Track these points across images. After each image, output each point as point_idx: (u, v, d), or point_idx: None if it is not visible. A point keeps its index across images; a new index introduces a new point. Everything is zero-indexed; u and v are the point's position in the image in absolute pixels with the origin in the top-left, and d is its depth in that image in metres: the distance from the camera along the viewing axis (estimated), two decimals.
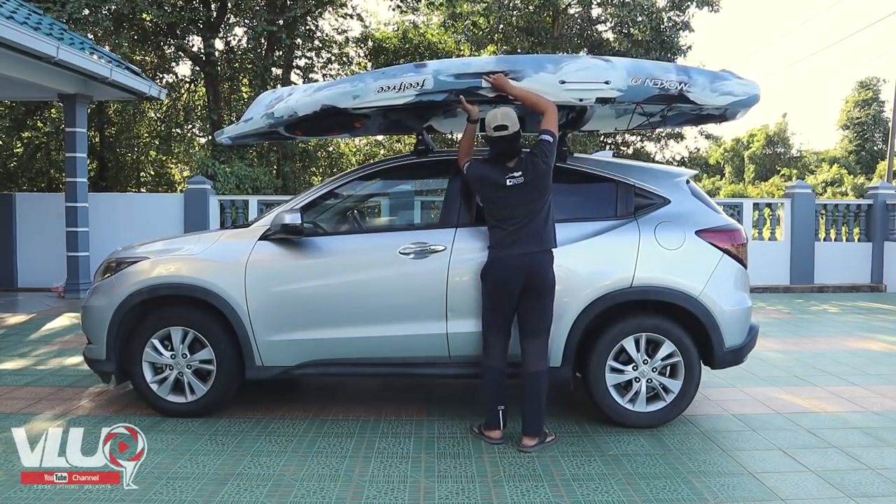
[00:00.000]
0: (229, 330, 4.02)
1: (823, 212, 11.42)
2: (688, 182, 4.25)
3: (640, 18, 17.94)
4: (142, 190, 19.05)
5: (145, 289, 4.06)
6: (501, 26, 19.57)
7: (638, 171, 4.20)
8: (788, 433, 3.93)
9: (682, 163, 24.07)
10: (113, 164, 17.81)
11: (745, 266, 4.09)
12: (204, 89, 17.77)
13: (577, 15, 20.22)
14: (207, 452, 3.57)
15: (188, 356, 4.08)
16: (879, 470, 3.38)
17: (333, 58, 18.91)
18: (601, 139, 19.57)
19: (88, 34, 12.58)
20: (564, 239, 3.84)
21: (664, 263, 3.90)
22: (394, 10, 19.61)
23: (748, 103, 3.91)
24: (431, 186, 8.09)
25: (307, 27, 17.29)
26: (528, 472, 3.32)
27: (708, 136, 27.30)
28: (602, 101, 3.74)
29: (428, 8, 19.30)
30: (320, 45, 18.41)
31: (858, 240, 11.32)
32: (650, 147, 23.52)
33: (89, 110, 11.27)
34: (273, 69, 16.62)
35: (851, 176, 42.77)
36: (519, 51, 18.78)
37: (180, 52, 16.86)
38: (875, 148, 46.90)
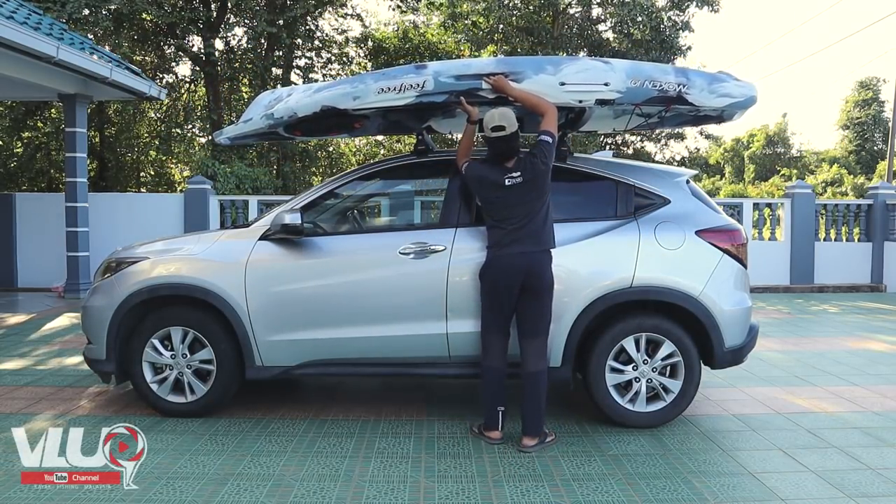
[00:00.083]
0: (229, 330, 4.02)
1: (823, 212, 11.42)
2: (688, 182, 4.25)
3: (639, 18, 17.94)
4: (142, 190, 19.05)
5: (145, 289, 4.07)
6: (501, 26, 19.57)
7: (638, 171, 4.20)
8: (788, 433, 3.93)
9: (682, 163, 24.09)
10: (113, 164, 17.81)
11: (745, 266, 4.09)
12: (204, 89, 17.78)
13: (577, 15, 20.22)
14: (207, 452, 3.57)
15: (188, 356, 4.08)
16: (879, 470, 3.38)
17: (333, 58, 18.91)
18: (601, 139, 19.58)
19: (88, 34, 12.58)
20: (564, 239, 3.84)
21: (664, 263, 3.90)
22: (394, 10, 19.62)
23: (745, 105, 3.93)
24: (431, 186, 8.09)
25: (307, 27, 17.29)
26: (528, 472, 3.32)
27: (708, 137, 27.32)
28: (601, 102, 3.76)
29: (428, 8, 19.31)
30: (320, 45, 18.42)
31: (858, 240, 11.32)
32: (650, 147, 23.54)
33: (89, 110, 11.27)
34: (273, 69, 16.63)
35: (851, 176, 42.78)
36: (519, 51, 18.79)
37: (180, 52, 16.87)
38: (875, 148, 46.91)
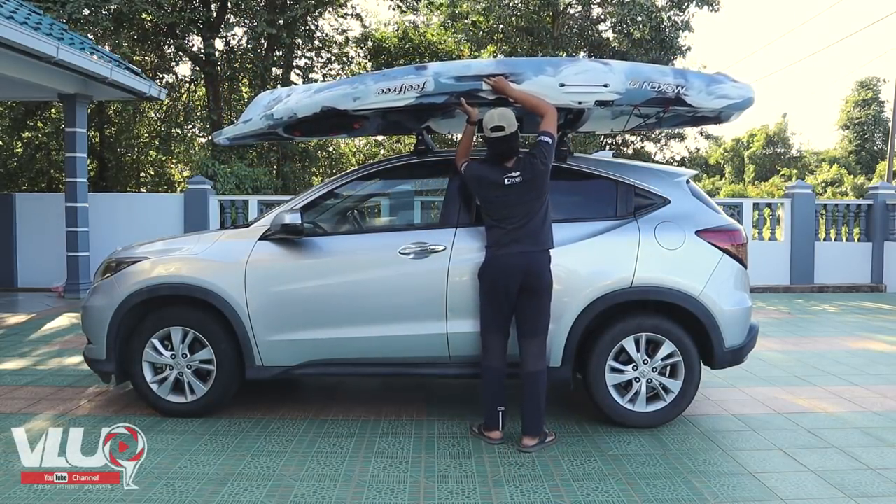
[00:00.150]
0: (229, 330, 4.02)
1: (823, 212, 11.42)
2: (688, 182, 4.26)
3: (639, 18, 17.95)
4: (142, 190, 19.05)
5: (145, 289, 4.07)
6: (501, 26, 19.58)
7: (638, 171, 4.20)
8: (788, 433, 3.93)
9: (682, 163, 24.11)
10: (113, 164, 17.81)
11: (745, 266, 4.09)
12: (204, 89, 17.77)
13: (576, 15, 20.23)
14: (207, 452, 3.57)
15: (188, 356, 4.08)
16: (879, 470, 3.38)
17: (333, 58, 18.91)
18: (601, 139, 19.58)
19: (88, 34, 12.58)
20: (564, 239, 3.85)
21: (664, 263, 3.90)
22: (394, 9, 19.62)
23: (743, 106, 3.95)
24: (431, 186, 8.09)
25: (307, 27, 17.29)
26: (528, 472, 3.32)
27: (708, 137, 27.37)
28: (601, 103, 3.77)
29: (428, 8, 19.31)
30: (320, 45, 18.41)
31: (858, 240, 11.32)
32: (650, 147, 23.56)
33: (89, 110, 11.27)
34: (273, 69, 16.62)
35: (851, 176, 42.78)
36: (519, 51, 18.79)
37: (180, 52, 16.86)
38: (875, 148, 46.91)
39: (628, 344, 3.89)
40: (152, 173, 19.90)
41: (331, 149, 19.67)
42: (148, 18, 15.05)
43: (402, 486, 3.15)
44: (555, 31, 19.26)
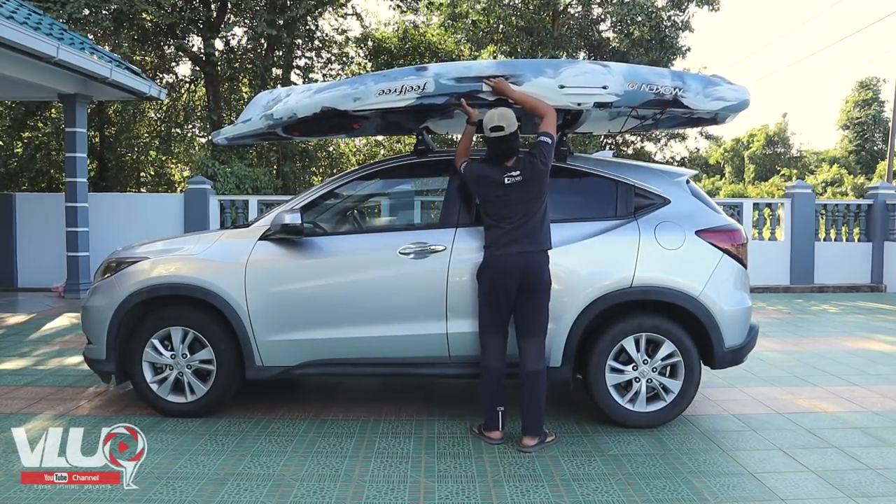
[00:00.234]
0: (229, 330, 4.02)
1: (823, 212, 11.42)
2: (688, 182, 4.26)
3: (639, 18, 17.95)
4: (142, 190, 19.05)
5: (145, 289, 4.07)
6: (501, 26, 19.58)
7: (638, 171, 4.20)
8: (788, 433, 3.93)
9: (682, 163, 24.10)
10: (113, 164, 17.81)
11: (745, 266, 4.09)
12: (204, 89, 17.78)
13: (576, 15, 20.22)
14: (207, 452, 3.57)
15: (188, 356, 4.08)
16: (879, 470, 3.38)
17: (333, 58, 18.91)
18: (601, 139, 19.58)
19: (88, 34, 12.58)
20: (565, 239, 3.85)
21: (664, 263, 3.91)
22: (394, 9, 19.62)
23: (738, 108, 3.98)
24: (431, 186, 8.10)
25: (307, 27, 17.29)
26: (528, 472, 3.32)
27: (708, 137, 27.39)
28: (599, 105, 3.80)
29: (428, 8, 19.30)
30: (320, 45, 18.42)
31: (858, 240, 11.32)
32: (650, 147, 23.55)
33: (89, 110, 11.27)
34: (273, 69, 16.62)
35: (851, 176, 42.78)
36: (519, 51, 18.78)
37: (180, 52, 16.86)
38: (875, 148, 46.90)
39: (628, 344, 3.89)
40: (152, 173, 19.91)
41: (331, 149, 19.68)
42: (148, 18, 15.05)
43: (402, 486, 3.15)
44: (555, 31, 19.25)
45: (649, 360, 3.90)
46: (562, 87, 3.74)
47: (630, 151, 22.28)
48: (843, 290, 10.86)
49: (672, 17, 18.99)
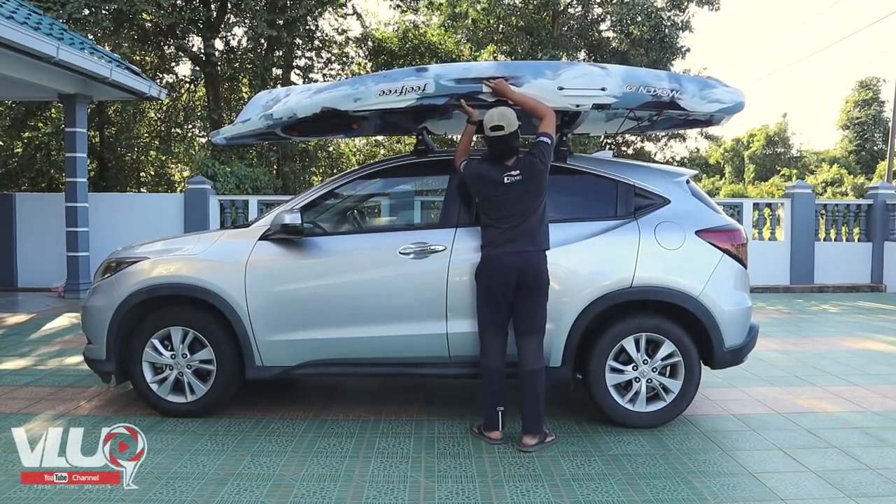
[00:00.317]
0: (229, 330, 4.02)
1: (823, 212, 11.42)
2: (688, 182, 4.26)
3: (639, 18, 17.94)
4: (142, 190, 19.05)
5: (145, 289, 4.07)
6: (501, 26, 19.58)
7: (638, 171, 4.21)
8: (788, 433, 3.93)
9: (682, 163, 24.11)
10: (113, 164, 17.81)
11: (745, 266, 4.09)
12: (204, 89, 17.78)
13: (576, 15, 20.22)
14: (207, 452, 3.57)
15: (188, 356, 4.08)
16: (879, 470, 3.38)
17: (333, 58, 18.92)
18: (601, 139, 19.57)
19: (88, 34, 12.58)
20: (564, 239, 3.86)
21: (664, 263, 3.91)
22: (394, 9, 19.63)
23: (734, 110, 4.03)
24: (431, 186, 8.10)
25: (307, 27, 17.30)
26: (528, 472, 3.32)
27: (708, 137, 27.46)
28: (598, 107, 3.85)
29: (428, 8, 19.31)
30: (320, 46, 18.43)
31: (858, 240, 11.32)
32: (650, 147, 23.53)
33: (89, 110, 11.27)
34: (273, 69, 16.63)
35: (851, 176, 42.76)
36: (519, 51, 18.78)
37: (180, 53, 16.87)
38: (875, 148, 46.89)
39: (628, 344, 3.89)
40: (152, 173, 19.91)
41: (331, 149, 19.69)
42: (148, 18, 15.05)
43: (402, 486, 3.15)
44: (555, 31, 19.24)
45: (649, 360, 3.90)
46: (561, 88, 3.78)
47: (630, 151, 22.28)
48: (843, 290, 10.86)
49: (672, 18, 18.98)
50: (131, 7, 13.24)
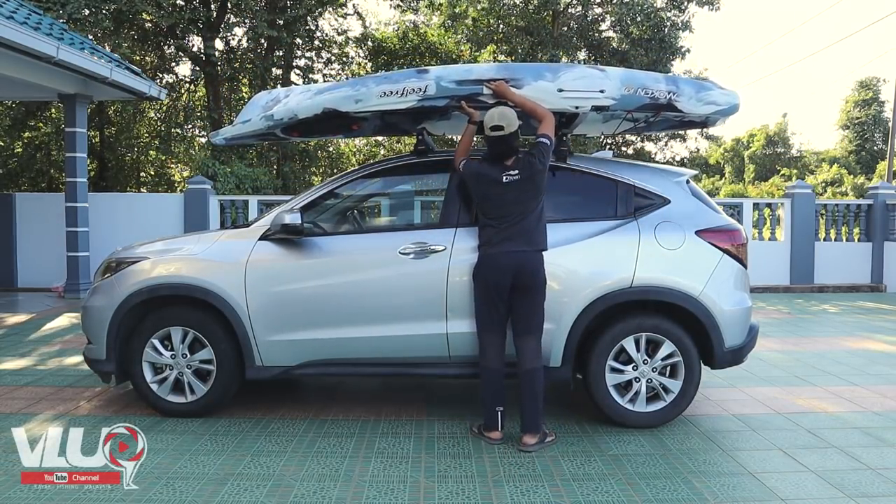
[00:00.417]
0: (229, 330, 4.02)
1: (823, 212, 11.42)
2: (688, 182, 4.26)
3: (638, 18, 17.95)
4: (142, 190, 19.05)
5: (145, 289, 4.06)
6: (501, 26, 19.58)
7: (638, 171, 4.21)
8: (788, 433, 3.93)
9: (682, 163, 24.09)
10: (113, 164, 17.81)
11: (745, 266, 4.09)
12: (204, 89, 17.78)
13: (576, 15, 20.22)
14: (207, 452, 3.57)
15: (188, 356, 4.08)
16: (879, 470, 3.38)
17: (333, 58, 18.93)
18: (601, 139, 19.57)
19: (88, 35, 12.58)
20: (564, 239, 3.86)
21: (664, 263, 3.91)
22: (394, 8, 19.63)
23: (729, 112, 4.06)
24: (431, 186, 8.10)
25: (307, 27, 17.30)
26: (528, 472, 3.32)
27: (708, 137, 27.42)
28: (597, 108, 3.88)
29: (429, 7, 19.32)
30: (320, 46, 18.43)
31: (858, 240, 11.32)
32: (650, 147, 23.53)
33: (89, 110, 11.27)
34: (273, 69, 16.63)
35: (851, 176, 42.76)
36: (519, 51, 18.78)
37: (180, 53, 16.87)
38: (875, 148, 46.89)
39: (628, 344, 3.89)
40: (152, 173, 19.91)
41: (331, 149, 19.69)
42: (148, 19, 15.04)
43: (402, 486, 3.15)
44: (555, 31, 19.24)
45: (649, 360, 3.90)
46: (560, 90, 3.82)
47: (630, 151, 22.28)
48: (843, 290, 10.86)
49: (672, 18, 18.98)
50: (131, 7, 13.24)
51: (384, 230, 5.60)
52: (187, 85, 19.18)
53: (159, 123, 19.51)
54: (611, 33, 20.31)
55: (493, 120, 3.58)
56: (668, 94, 3.87)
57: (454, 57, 18.85)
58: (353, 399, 4.66)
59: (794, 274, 10.97)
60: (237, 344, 4.02)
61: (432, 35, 19.81)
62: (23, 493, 3.07)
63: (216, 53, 15.81)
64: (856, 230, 11.43)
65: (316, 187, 4.37)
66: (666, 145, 24.06)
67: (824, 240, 11.23)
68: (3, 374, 5.24)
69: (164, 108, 19.01)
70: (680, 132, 22.41)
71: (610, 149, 19.80)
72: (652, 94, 3.85)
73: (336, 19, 18.67)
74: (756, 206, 11.49)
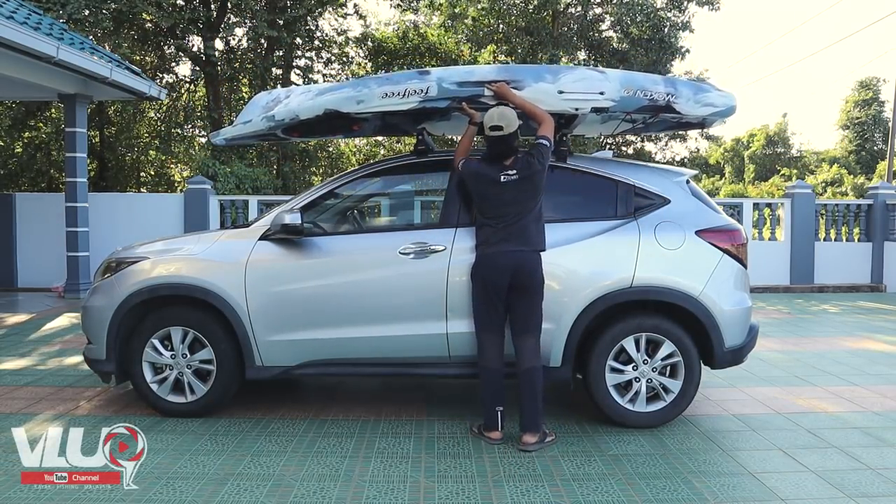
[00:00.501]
0: (229, 330, 4.02)
1: (823, 212, 11.42)
2: (688, 182, 4.27)
3: (638, 18, 17.96)
4: (142, 190, 19.04)
5: (145, 289, 4.06)
6: (501, 26, 19.59)
7: (638, 171, 4.22)
8: (788, 433, 3.93)
9: (682, 163, 24.10)
10: (113, 164, 17.80)
11: (745, 266, 4.10)
12: (204, 89, 17.78)
13: (576, 14, 20.22)
14: (207, 452, 3.57)
15: (188, 356, 4.08)
16: (879, 470, 3.38)
17: (333, 58, 18.93)
18: (601, 139, 19.58)
19: (89, 35, 12.58)
20: (564, 239, 3.87)
21: (664, 263, 3.91)
22: (394, 7, 19.63)
23: (726, 114, 4.10)
24: (431, 186, 8.10)
25: (307, 27, 17.30)
26: (528, 472, 3.32)
27: (708, 137, 27.41)
28: (596, 110, 3.91)
29: (428, 7, 19.32)
30: (320, 46, 18.43)
31: (858, 240, 11.32)
32: (651, 147, 23.54)
33: (89, 110, 11.26)
34: (273, 69, 16.63)
35: (851, 176, 42.75)
36: (519, 51, 18.79)
37: (180, 53, 16.87)
38: (875, 148, 46.88)
39: (628, 344, 3.89)
40: (152, 173, 19.90)
41: (331, 149, 19.68)
42: (148, 19, 15.04)
43: (402, 486, 3.15)
44: (555, 31, 19.25)
45: (649, 360, 3.90)
46: (561, 92, 3.84)
47: (630, 151, 22.28)
48: (843, 290, 10.86)
49: (672, 18, 18.99)
50: (131, 7, 13.23)
51: (384, 230, 5.60)
52: (187, 85, 19.18)
53: (159, 123, 19.51)
54: (611, 33, 20.32)
55: (493, 120, 3.59)
56: (667, 95, 3.90)
57: (454, 57, 18.84)
58: (353, 399, 4.66)
59: (794, 274, 10.97)
60: (237, 344, 4.02)
61: (432, 35, 19.80)
62: (23, 493, 3.07)
63: (216, 53, 15.81)
64: (856, 230, 11.43)
65: (316, 187, 4.37)
66: (666, 145, 24.09)
67: (824, 240, 11.23)
68: (3, 374, 5.24)
69: (164, 108, 19.01)
70: (680, 132, 22.42)
71: (610, 149, 19.80)
72: (651, 95, 3.88)
73: (336, 19, 18.68)
74: (756, 206, 11.49)
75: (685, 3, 18.95)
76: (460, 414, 4.24)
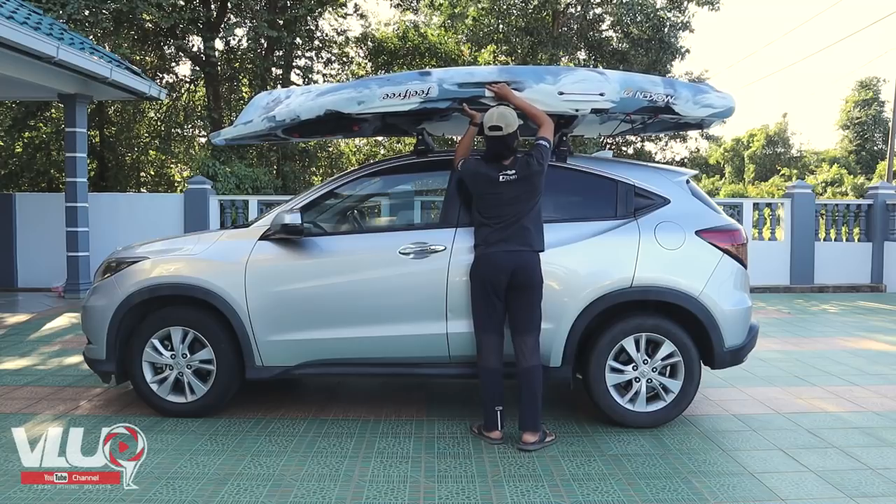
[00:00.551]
0: (229, 330, 4.02)
1: (823, 212, 11.42)
2: (688, 182, 4.27)
3: (638, 18, 17.96)
4: (142, 190, 19.03)
5: (145, 289, 4.07)
6: (501, 26, 19.59)
7: (638, 171, 4.22)
8: (788, 433, 3.93)
9: (682, 163, 24.11)
10: (113, 164, 17.79)
11: (745, 266, 4.10)
12: (204, 89, 17.78)
13: (576, 14, 20.23)
14: (207, 452, 3.57)
15: (188, 356, 4.08)
16: (879, 470, 3.38)
17: (333, 58, 18.93)
18: (601, 139, 19.58)
19: (89, 35, 12.57)
20: (565, 239, 3.87)
21: (664, 263, 3.91)
22: (394, 7, 19.63)
23: (725, 115, 4.12)
24: (431, 186, 8.09)
25: (307, 27, 17.30)
26: (528, 472, 3.32)
27: (708, 137, 27.37)
28: (596, 111, 3.92)
29: (428, 7, 19.32)
30: (320, 46, 18.43)
31: (858, 240, 11.32)
32: (651, 147, 23.54)
33: (89, 110, 11.26)
34: (273, 69, 16.63)
35: (851, 176, 42.73)
36: (519, 51, 18.79)
37: (180, 53, 16.87)
38: (875, 148, 46.87)
39: (628, 344, 3.89)
40: (152, 173, 19.89)
41: (331, 149, 19.68)
42: (148, 19, 15.04)
43: (402, 486, 3.15)
44: (555, 31, 19.26)
45: (649, 360, 3.90)
46: (561, 93, 3.85)
47: (630, 151, 22.28)
48: (843, 290, 10.86)
49: (671, 18, 18.99)
50: (131, 7, 13.24)
51: (384, 230, 5.60)
52: (187, 85, 19.18)
53: (159, 123, 19.50)
54: (611, 33, 20.32)
55: (492, 120, 3.59)
56: (666, 97, 3.92)
57: (454, 57, 18.85)
58: (353, 399, 4.66)
59: (794, 274, 10.96)
60: (237, 344, 4.02)
61: (432, 35, 19.81)
62: (23, 493, 3.07)
63: (216, 53, 15.81)
64: (856, 230, 11.43)
65: (316, 187, 4.37)
66: (666, 145, 24.09)
67: (824, 240, 11.23)
68: (3, 374, 5.24)
69: (164, 108, 19.00)
70: (680, 132, 22.42)
71: (610, 149, 19.81)
72: (650, 97, 3.90)
73: (336, 19, 18.68)
74: (756, 206, 11.49)
75: (685, 3, 18.95)
76: (460, 414, 4.24)
